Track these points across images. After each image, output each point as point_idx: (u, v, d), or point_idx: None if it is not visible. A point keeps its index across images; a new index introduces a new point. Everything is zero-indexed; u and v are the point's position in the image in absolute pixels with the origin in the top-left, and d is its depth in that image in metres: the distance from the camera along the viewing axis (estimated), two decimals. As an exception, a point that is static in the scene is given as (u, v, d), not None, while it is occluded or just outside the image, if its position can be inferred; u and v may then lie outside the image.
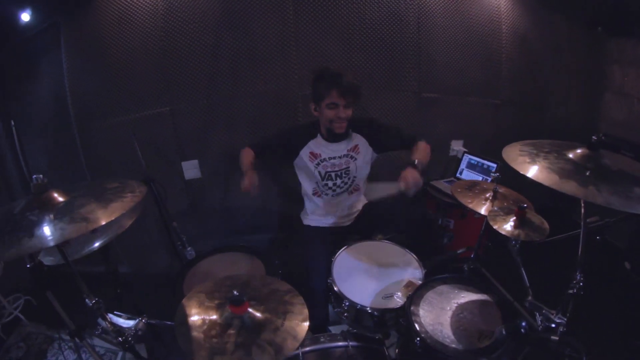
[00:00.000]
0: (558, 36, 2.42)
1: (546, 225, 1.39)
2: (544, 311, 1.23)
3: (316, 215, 1.96)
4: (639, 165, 1.15)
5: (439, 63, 2.27)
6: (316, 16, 2.09)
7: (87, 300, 1.13)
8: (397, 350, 1.48)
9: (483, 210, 1.52)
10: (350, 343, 1.33)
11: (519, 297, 1.41)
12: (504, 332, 1.16)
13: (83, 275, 1.21)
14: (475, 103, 2.42)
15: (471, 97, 2.40)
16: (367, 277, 1.58)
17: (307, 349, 1.30)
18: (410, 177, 1.56)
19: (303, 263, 1.75)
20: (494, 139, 2.50)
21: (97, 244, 1.42)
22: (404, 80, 2.28)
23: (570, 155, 1.10)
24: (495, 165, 2.15)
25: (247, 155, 1.89)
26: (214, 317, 0.89)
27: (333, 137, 1.80)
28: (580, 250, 1.17)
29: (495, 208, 1.51)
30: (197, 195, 2.38)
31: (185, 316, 0.89)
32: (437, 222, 2.23)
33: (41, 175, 1.00)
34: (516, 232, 1.37)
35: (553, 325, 1.18)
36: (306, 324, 0.89)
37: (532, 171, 1.06)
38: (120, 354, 1.72)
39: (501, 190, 1.63)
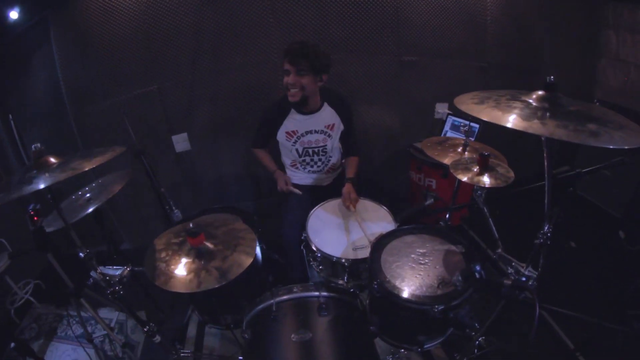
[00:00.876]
0: None
1: (511, 173, 1.38)
2: (513, 264, 1.22)
3: (295, 177, 2.04)
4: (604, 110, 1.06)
5: (418, 25, 2.26)
6: (290, -14, 2.12)
7: (80, 252, 1.24)
8: (367, 301, 1.55)
9: (447, 161, 1.55)
10: (322, 293, 1.38)
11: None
12: (460, 278, 1.18)
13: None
14: (459, 66, 2.41)
15: (455, 60, 2.38)
16: (340, 231, 1.66)
17: (280, 298, 1.36)
18: (353, 198, 1.75)
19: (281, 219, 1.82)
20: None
21: (91, 209, 1.51)
22: (383, 44, 2.29)
23: (526, 98, 1.04)
24: (477, 126, 2.15)
25: (264, 157, 2.02)
26: (175, 249, 1.00)
27: (302, 108, 1.83)
28: (546, 199, 1.11)
29: (464, 158, 1.53)
30: (188, 166, 2.52)
31: (154, 251, 1.00)
32: (419, 183, 2.27)
33: (39, 144, 1.16)
34: (478, 178, 1.38)
35: (524, 279, 1.16)
36: (252, 255, 0.98)
37: (476, 110, 1.04)
38: (114, 319, 1.86)
39: (475, 146, 1.65)
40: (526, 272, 1.17)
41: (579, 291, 1.88)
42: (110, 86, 2.22)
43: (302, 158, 1.94)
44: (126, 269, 1.30)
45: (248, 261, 0.96)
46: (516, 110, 0.99)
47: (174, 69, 2.24)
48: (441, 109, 2.48)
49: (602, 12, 2.39)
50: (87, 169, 1.06)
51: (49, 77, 2.14)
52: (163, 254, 1.00)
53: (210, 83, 2.30)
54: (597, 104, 2.24)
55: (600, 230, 2.28)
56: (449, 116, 2.38)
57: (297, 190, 1.86)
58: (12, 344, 1.74)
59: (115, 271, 1.31)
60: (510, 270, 1.22)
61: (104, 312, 2.14)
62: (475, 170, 1.43)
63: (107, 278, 1.27)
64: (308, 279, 1.81)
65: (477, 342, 1.47)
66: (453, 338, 1.37)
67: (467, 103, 1.14)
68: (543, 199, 1.09)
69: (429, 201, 1.76)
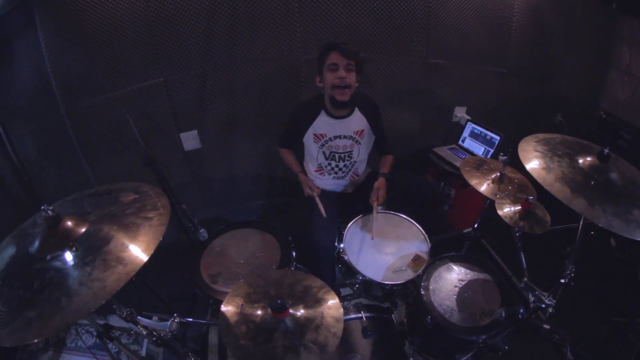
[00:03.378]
0: (571, 9, 2.31)
1: (548, 217, 1.44)
2: (536, 292, 1.35)
3: (317, 182, 1.96)
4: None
5: (448, 28, 2.15)
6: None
7: (117, 311, 1.11)
8: (404, 320, 1.63)
9: (487, 192, 1.57)
10: (364, 314, 1.43)
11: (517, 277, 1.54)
12: (503, 315, 1.32)
13: None
14: (481, 70, 2.36)
15: (477, 65, 2.33)
16: (376, 251, 1.67)
17: None
18: (381, 195, 1.75)
19: (308, 224, 1.78)
20: (498, 108, 2.50)
21: None
22: (411, 45, 2.17)
23: (580, 161, 1.18)
24: (498, 138, 2.16)
25: (289, 157, 1.96)
26: (257, 322, 0.93)
27: (337, 107, 1.74)
28: (576, 245, 1.27)
29: (504, 194, 1.54)
30: (197, 165, 2.33)
31: (229, 325, 0.92)
32: (438, 190, 2.30)
33: (50, 207, 0.89)
34: (520, 223, 1.42)
35: (543, 305, 1.31)
36: (341, 320, 0.95)
37: (547, 179, 1.12)
38: (145, 341, 1.79)
39: (508, 171, 1.66)
40: (547, 301, 1.31)
41: (574, 300, 2.07)
42: (107, 78, 1.92)
43: (328, 162, 1.87)
44: (174, 320, 1.21)
45: (340, 327, 0.93)
46: (580, 189, 1.08)
47: (182, 60, 1.97)
48: (459, 112, 2.46)
49: (618, 26, 2.40)
50: (145, 261, 0.83)
51: (35, 67, 1.79)
52: (243, 328, 0.90)
53: (224, 76, 2.07)
54: (604, 115, 2.34)
55: (594, 238, 2.48)
56: (469, 122, 2.37)
57: (322, 208, 1.76)
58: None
59: (160, 324, 1.22)
60: (532, 297, 1.36)
61: (114, 320, 2.05)
62: (516, 210, 1.45)
63: (154, 332, 1.17)
64: (336, 284, 1.85)
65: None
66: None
67: (535, 165, 1.20)
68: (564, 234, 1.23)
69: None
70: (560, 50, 2.39)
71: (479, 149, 2.26)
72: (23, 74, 1.82)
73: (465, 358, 1.49)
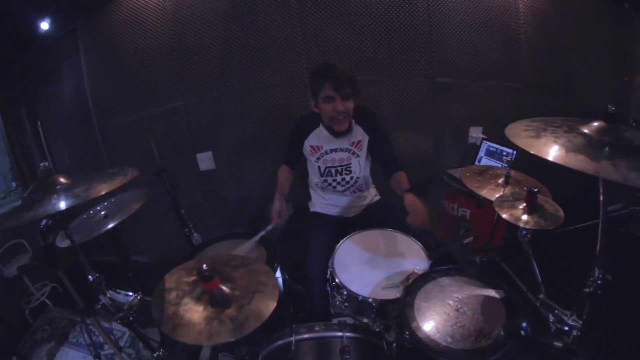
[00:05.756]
0: (582, 14, 2.22)
1: (561, 212, 1.25)
2: (556, 311, 1.11)
3: (320, 204, 1.94)
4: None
5: (452, 45, 2.16)
6: (320, 4, 2.07)
7: (89, 276, 1.20)
8: (394, 345, 1.43)
9: (488, 194, 1.42)
10: (346, 334, 1.27)
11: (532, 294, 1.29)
12: (502, 333, 1.08)
13: (97, 264, 1.30)
14: (494, 87, 2.28)
15: (489, 81, 2.26)
16: (369, 267, 1.52)
17: (301, 336, 1.26)
18: (421, 213, 1.49)
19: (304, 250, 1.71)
20: (517, 126, 2.35)
21: (107, 227, 1.49)
22: (416, 65, 2.19)
23: (585, 130, 0.94)
24: (514, 153, 1.99)
25: (281, 178, 1.87)
26: (186, 290, 0.91)
27: (336, 135, 1.74)
28: (599, 242, 1.01)
29: (508, 193, 1.40)
30: (212, 186, 2.46)
31: (162, 290, 0.93)
32: (452, 213, 2.12)
33: (46, 163, 1.13)
34: (526, 219, 1.25)
35: (566, 328, 1.07)
36: (273, 305, 0.88)
37: (536, 146, 0.93)
38: (127, 333, 1.81)
39: (516, 176, 1.52)
40: (570, 322, 1.07)
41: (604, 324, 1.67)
42: (136, 100, 2.22)
43: (324, 178, 1.84)
44: (136, 297, 1.23)
45: (267, 313, 0.86)
46: (582, 149, 0.87)
47: (200, 85, 2.21)
48: (475, 133, 2.34)
49: (635, 27, 2.25)
50: (92, 197, 1.02)
51: (77, 88, 2.18)
52: (173, 294, 0.91)
53: (237, 101, 2.25)
54: (634, 124, 2.07)
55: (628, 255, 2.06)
56: (484, 141, 2.23)
57: (280, 221, 1.71)
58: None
59: (125, 298, 1.25)
60: (552, 318, 1.12)
61: (117, 325, 2.11)
62: (521, 207, 1.30)
63: (117, 304, 1.21)
64: (330, 313, 1.68)
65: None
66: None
67: (523, 136, 1.01)
68: (590, 238, 0.98)
69: (468, 240, 1.60)
70: (576, 59, 2.26)
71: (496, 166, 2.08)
72: (66, 93, 2.19)
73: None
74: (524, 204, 1.28)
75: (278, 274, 1.65)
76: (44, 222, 1.12)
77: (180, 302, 0.87)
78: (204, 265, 0.85)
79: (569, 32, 2.23)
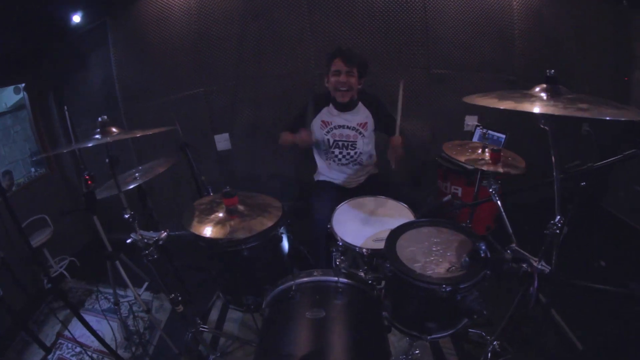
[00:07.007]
0: (578, 11, 2.37)
1: (523, 163, 1.41)
2: (529, 260, 1.20)
3: (325, 172, 2.15)
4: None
5: (447, 39, 2.38)
6: (327, 4, 2.36)
7: (124, 213, 1.41)
8: (382, 292, 1.57)
9: (463, 159, 1.58)
10: (340, 279, 1.42)
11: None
12: (467, 259, 1.22)
13: (117, 242, 1.54)
14: (488, 79, 2.46)
15: (484, 73, 2.44)
16: (362, 224, 1.72)
17: (300, 280, 1.42)
18: (399, 154, 1.79)
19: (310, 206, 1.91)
20: (511, 118, 2.50)
21: (137, 183, 1.74)
22: (413, 58, 2.42)
23: (529, 92, 1.17)
24: (504, 137, 2.16)
25: (286, 134, 2.08)
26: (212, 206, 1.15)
27: (341, 107, 1.98)
28: (555, 187, 1.12)
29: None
30: (228, 164, 2.73)
31: (193, 209, 1.23)
32: (445, 192, 2.28)
33: (105, 116, 1.43)
34: (485, 166, 1.42)
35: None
36: (274, 219, 1.10)
37: (497, 104, 1.14)
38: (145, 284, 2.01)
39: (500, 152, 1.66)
40: (539, 267, 1.16)
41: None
42: (161, 87, 2.51)
43: (332, 150, 2.06)
44: (163, 232, 1.44)
45: (269, 223, 1.07)
46: (516, 98, 1.12)
47: (219, 75, 2.50)
48: (470, 121, 2.52)
49: (633, 23, 2.35)
50: (138, 135, 1.38)
51: (105, 76, 2.47)
52: (201, 207, 1.14)
53: (252, 88, 2.53)
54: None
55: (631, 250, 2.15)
56: (477, 128, 2.40)
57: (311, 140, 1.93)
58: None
59: (154, 233, 1.46)
60: (524, 265, 1.20)
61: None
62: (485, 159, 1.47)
63: (145, 240, 1.42)
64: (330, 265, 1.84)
65: (490, 347, 1.45)
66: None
67: (473, 98, 1.26)
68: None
69: (447, 198, 1.78)
70: (573, 54, 2.39)
71: (486, 150, 2.25)
72: (94, 81, 2.49)
73: (442, 334, 1.35)
74: (489, 156, 1.46)
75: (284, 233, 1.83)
76: (87, 172, 1.39)
77: (206, 212, 1.09)
78: (228, 187, 1.09)
79: (564, 28, 2.37)
